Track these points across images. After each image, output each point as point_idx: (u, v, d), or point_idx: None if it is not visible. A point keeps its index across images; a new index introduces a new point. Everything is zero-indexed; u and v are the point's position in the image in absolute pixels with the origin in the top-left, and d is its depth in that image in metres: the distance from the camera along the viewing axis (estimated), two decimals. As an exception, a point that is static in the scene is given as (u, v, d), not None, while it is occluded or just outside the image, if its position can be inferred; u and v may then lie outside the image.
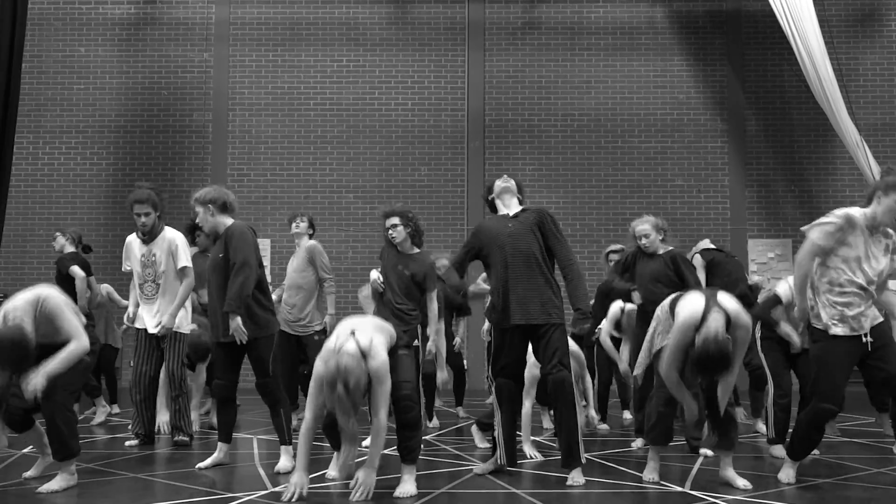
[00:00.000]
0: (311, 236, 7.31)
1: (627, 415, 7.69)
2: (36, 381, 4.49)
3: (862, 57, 11.58)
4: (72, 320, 4.67)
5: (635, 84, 11.64)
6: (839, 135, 10.24)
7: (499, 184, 5.24)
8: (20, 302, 4.62)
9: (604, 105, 11.61)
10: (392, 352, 4.60)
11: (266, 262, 11.33)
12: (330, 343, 4.52)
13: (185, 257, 6.14)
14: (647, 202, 11.41)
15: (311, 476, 5.02)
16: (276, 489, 4.69)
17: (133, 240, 6.27)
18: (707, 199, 11.49)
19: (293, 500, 4.33)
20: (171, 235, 6.21)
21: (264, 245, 11.37)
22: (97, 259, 11.47)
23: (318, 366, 4.44)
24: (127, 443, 6.20)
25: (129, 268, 6.30)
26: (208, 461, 5.32)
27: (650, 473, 4.89)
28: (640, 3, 11.74)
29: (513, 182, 5.21)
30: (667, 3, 11.75)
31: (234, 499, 4.45)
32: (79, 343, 4.63)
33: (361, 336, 4.46)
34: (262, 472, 5.18)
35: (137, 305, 6.28)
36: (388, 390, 4.47)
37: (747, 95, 11.63)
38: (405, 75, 11.66)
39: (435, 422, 7.37)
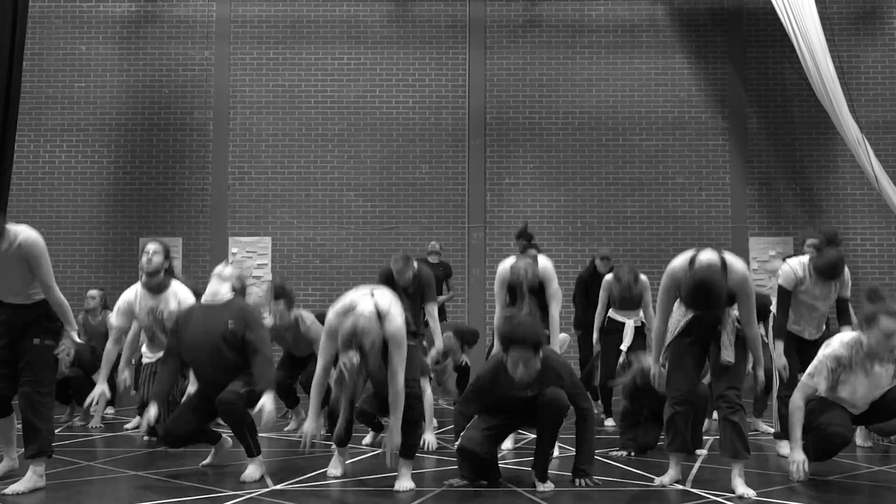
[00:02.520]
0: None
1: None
2: (66, 343, 4.56)
3: (863, 55, 11.56)
4: (50, 268, 4.52)
5: (636, 82, 11.62)
6: (840, 133, 10.23)
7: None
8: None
9: (605, 103, 11.60)
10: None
11: (266, 261, 11.34)
12: (346, 299, 4.58)
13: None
14: (648, 200, 11.41)
15: (310, 475, 5.02)
16: (277, 487, 4.69)
17: (134, 294, 5.93)
18: (708, 197, 11.48)
19: (306, 447, 4.53)
20: (180, 292, 5.86)
21: (265, 243, 11.37)
22: (98, 258, 11.49)
23: (331, 318, 4.53)
24: (145, 438, 6.19)
25: (117, 325, 5.95)
26: (210, 458, 5.34)
27: (666, 478, 4.76)
28: (642, 0, 11.72)
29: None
30: (668, 0, 11.74)
31: (234, 497, 4.45)
32: (56, 292, 4.54)
33: (380, 298, 4.54)
34: (256, 476, 5.15)
35: (130, 363, 6.12)
36: (405, 356, 4.54)
37: (748, 93, 11.61)
38: (406, 73, 11.64)
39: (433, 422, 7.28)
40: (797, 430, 4.75)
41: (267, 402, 4.79)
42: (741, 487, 4.54)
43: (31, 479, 4.49)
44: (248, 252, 11.32)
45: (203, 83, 11.63)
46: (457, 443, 4.70)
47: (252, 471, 4.88)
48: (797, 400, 4.80)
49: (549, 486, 4.68)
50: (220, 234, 11.29)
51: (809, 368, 4.85)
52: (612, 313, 7.30)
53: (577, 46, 11.68)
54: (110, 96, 11.62)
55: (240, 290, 5.45)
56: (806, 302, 5.68)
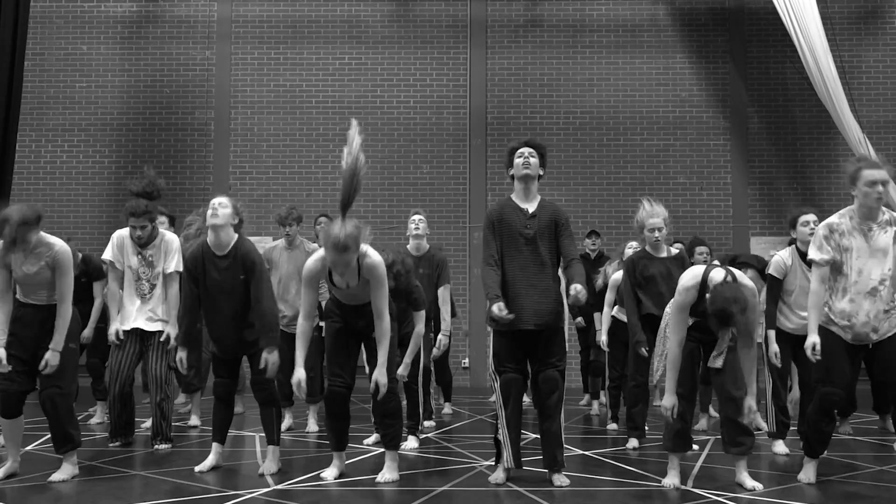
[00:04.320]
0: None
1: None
2: (49, 357, 4.75)
3: (865, 54, 11.56)
4: (71, 282, 4.89)
5: (637, 82, 11.62)
6: (842, 132, 10.23)
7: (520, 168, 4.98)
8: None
9: (606, 103, 11.60)
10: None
11: (268, 260, 11.33)
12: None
13: (177, 262, 6.05)
14: (649, 200, 11.39)
15: (310, 475, 5.02)
16: (279, 487, 4.70)
17: (127, 237, 6.11)
18: (709, 197, 11.48)
19: (301, 393, 4.70)
20: (169, 237, 6.15)
21: (266, 243, 11.35)
22: (99, 257, 11.48)
23: (309, 263, 4.81)
24: (111, 444, 6.13)
25: (110, 259, 6.12)
26: (206, 464, 5.21)
27: (671, 479, 4.75)
28: (643, 0, 11.72)
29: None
30: (669, 0, 11.73)
31: (237, 496, 4.45)
32: (68, 305, 4.86)
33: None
34: (274, 468, 5.15)
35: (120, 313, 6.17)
36: (387, 293, 4.77)
37: (750, 93, 11.61)
38: (407, 73, 11.65)
39: (430, 422, 7.18)
40: (814, 315, 4.65)
41: (271, 357, 5.05)
42: (750, 481, 4.63)
43: (68, 468, 4.93)
44: (249, 252, 11.32)
45: (204, 83, 11.64)
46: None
47: (269, 464, 5.10)
48: (815, 282, 4.68)
49: (565, 482, 4.69)
50: (222, 234, 11.29)
51: (810, 245, 4.78)
52: (616, 312, 7.16)
53: (578, 46, 11.68)
54: (111, 96, 11.63)
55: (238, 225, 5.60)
56: (799, 293, 5.72)
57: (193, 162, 11.55)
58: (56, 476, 4.86)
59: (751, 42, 11.67)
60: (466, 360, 11.00)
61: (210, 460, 5.20)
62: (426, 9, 11.72)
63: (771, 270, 5.82)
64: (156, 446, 5.98)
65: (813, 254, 4.70)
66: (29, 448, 5.92)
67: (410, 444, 6.01)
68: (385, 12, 11.71)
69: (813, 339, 4.61)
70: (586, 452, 5.87)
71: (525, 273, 4.85)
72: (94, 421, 7.28)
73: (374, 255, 4.76)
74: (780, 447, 5.85)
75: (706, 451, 5.84)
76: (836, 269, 4.69)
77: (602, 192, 11.46)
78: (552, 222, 4.96)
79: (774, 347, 5.75)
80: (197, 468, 5.14)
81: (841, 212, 4.73)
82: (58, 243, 4.90)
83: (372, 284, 4.70)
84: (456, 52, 11.65)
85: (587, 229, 11.33)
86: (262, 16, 11.71)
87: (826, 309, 4.72)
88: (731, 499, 4.40)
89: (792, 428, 6.08)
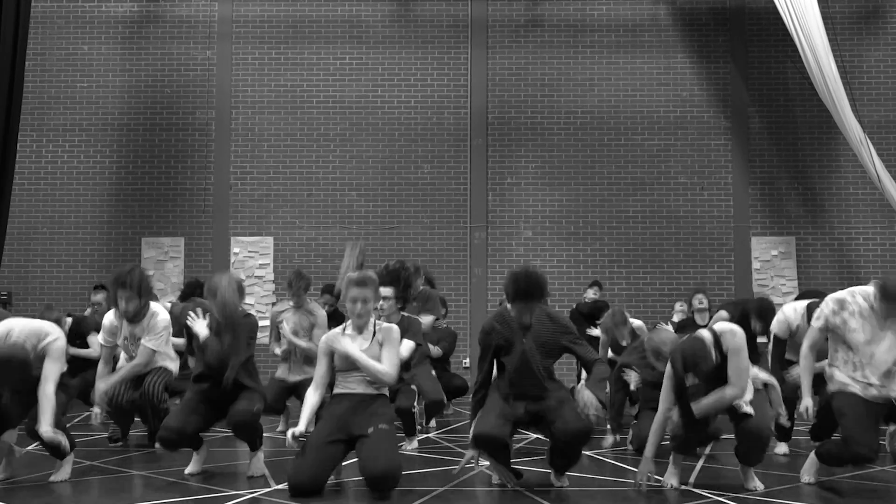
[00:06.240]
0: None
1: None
2: (46, 430, 4.64)
3: (866, 54, 11.55)
4: (57, 369, 4.75)
5: (638, 81, 11.62)
6: (843, 132, 10.22)
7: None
8: (29, 328, 4.75)
9: (607, 102, 11.60)
10: None
11: (268, 261, 11.34)
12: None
13: (159, 341, 5.79)
14: (650, 200, 11.40)
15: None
16: (279, 487, 4.70)
17: (115, 319, 5.86)
18: (710, 197, 11.47)
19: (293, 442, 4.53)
20: (160, 317, 5.84)
21: (266, 243, 11.37)
22: (100, 257, 11.50)
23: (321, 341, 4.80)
24: (111, 444, 6.15)
25: (103, 343, 5.87)
26: (191, 469, 5.14)
27: (671, 479, 4.73)
28: (643, 0, 11.71)
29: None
30: (670, 0, 11.72)
31: (237, 496, 4.45)
32: (50, 387, 4.69)
33: None
34: (265, 469, 5.15)
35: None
36: (397, 356, 4.81)
37: (751, 93, 11.60)
38: (408, 73, 11.64)
39: (432, 422, 7.16)
40: (807, 378, 4.71)
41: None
42: (752, 481, 4.63)
43: (67, 469, 4.96)
44: (249, 252, 11.33)
45: (205, 83, 11.64)
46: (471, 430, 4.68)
47: (258, 465, 5.06)
48: (805, 349, 4.71)
49: (565, 482, 4.70)
50: (222, 234, 11.30)
51: (815, 313, 4.72)
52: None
53: (578, 46, 11.67)
54: (112, 96, 11.63)
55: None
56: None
57: (194, 162, 11.55)
58: (56, 476, 4.87)
59: (752, 42, 11.66)
60: (467, 360, 11.00)
61: (194, 464, 5.15)
62: (427, 9, 11.71)
63: (775, 331, 5.63)
64: (157, 445, 5.99)
65: (822, 324, 4.63)
66: (29, 448, 5.93)
67: (411, 444, 6.02)
68: (385, 12, 11.71)
69: (807, 401, 4.69)
70: (587, 452, 5.87)
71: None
72: (93, 421, 7.26)
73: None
74: (780, 447, 5.85)
75: (707, 451, 5.83)
76: (840, 340, 4.62)
77: (603, 192, 11.45)
78: (555, 343, 4.72)
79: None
80: (186, 470, 5.10)
81: (856, 290, 4.54)
82: (53, 333, 4.76)
83: (385, 345, 4.71)
84: (457, 52, 11.65)
85: (588, 229, 11.36)
86: (263, 16, 11.71)
87: (839, 372, 4.64)
88: (731, 499, 4.40)
89: (794, 428, 6.08)
